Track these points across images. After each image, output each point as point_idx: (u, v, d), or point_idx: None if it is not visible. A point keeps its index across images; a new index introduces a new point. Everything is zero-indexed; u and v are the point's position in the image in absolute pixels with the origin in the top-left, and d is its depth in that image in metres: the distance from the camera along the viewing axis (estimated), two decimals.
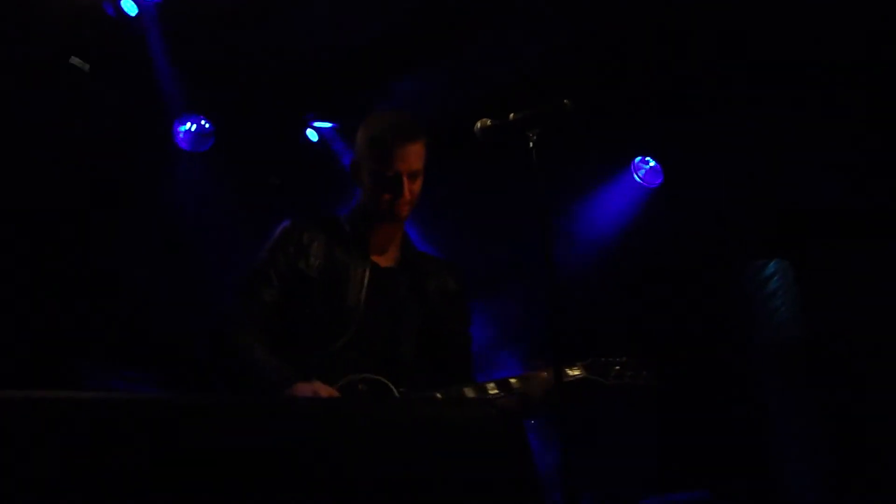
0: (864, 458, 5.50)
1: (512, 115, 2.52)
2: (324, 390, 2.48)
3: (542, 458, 5.17)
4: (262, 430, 1.47)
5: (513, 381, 2.79)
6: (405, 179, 2.77)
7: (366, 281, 2.81)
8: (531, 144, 2.46)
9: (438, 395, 2.74)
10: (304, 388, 2.46)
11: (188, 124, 5.57)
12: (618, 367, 2.92)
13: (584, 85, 5.27)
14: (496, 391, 2.74)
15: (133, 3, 4.88)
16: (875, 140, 5.40)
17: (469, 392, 2.72)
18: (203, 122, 5.63)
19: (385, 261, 2.93)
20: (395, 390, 2.73)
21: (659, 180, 6.25)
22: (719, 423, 5.93)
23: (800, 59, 5.18)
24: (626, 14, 5.08)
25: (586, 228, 6.31)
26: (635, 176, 6.27)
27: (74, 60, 5.02)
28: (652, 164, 6.27)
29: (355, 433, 1.51)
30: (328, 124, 6.10)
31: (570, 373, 2.86)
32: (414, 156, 2.78)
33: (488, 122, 2.57)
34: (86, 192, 5.31)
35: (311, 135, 6.11)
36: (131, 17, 4.90)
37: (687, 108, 5.65)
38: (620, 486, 5.91)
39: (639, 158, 6.28)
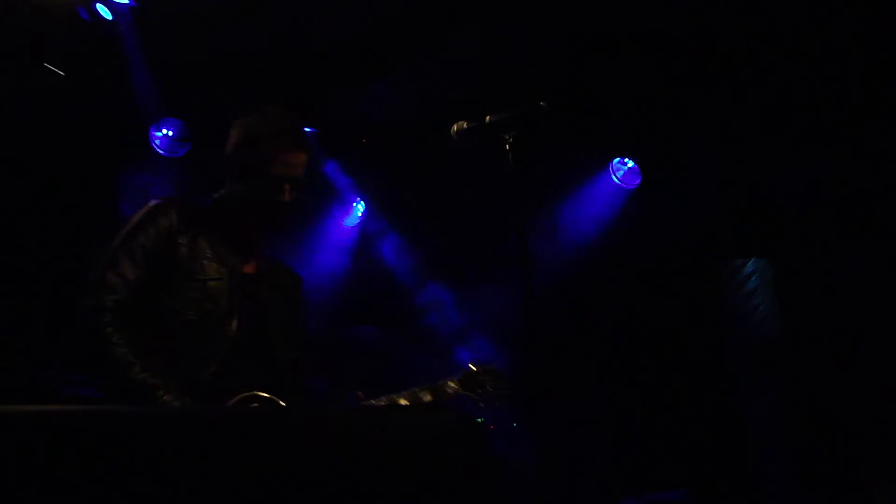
0: (840, 458, 5.54)
1: (488, 117, 2.52)
2: None
3: (520, 461, 5.18)
4: (212, 440, 1.44)
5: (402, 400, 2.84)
6: (287, 185, 2.75)
7: (233, 284, 2.74)
8: (508, 147, 2.46)
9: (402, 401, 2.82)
10: None
11: (164, 129, 5.54)
12: (484, 382, 3.07)
13: (562, 86, 5.29)
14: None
15: (107, 7, 4.83)
16: (853, 139, 5.44)
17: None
18: (179, 126, 5.60)
19: (250, 266, 2.87)
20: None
21: (637, 181, 6.27)
22: (697, 422, 5.96)
23: (775, 60, 5.21)
24: (605, 16, 5.10)
25: (565, 228, 6.32)
26: (614, 177, 6.28)
27: (49, 66, 4.97)
28: (630, 164, 6.28)
29: (312, 442, 1.49)
30: (306, 129, 6.08)
31: (450, 387, 3.00)
32: (300, 165, 2.79)
33: (464, 125, 2.57)
34: (57, 197, 5.26)
35: None
36: (106, 21, 4.85)
37: (665, 109, 5.68)
38: (598, 486, 5.93)
39: (617, 159, 6.29)
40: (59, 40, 4.95)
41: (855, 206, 5.65)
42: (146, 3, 4.82)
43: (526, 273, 2.37)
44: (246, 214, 2.80)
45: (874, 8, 4.70)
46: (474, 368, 3.08)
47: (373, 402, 2.87)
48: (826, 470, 5.52)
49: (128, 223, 2.73)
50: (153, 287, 2.64)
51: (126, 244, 2.66)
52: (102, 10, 4.81)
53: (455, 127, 2.58)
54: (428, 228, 6.52)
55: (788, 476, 5.72)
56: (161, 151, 5.55)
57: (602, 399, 6.12)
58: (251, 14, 4.89)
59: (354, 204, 6.65)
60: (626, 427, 6.14)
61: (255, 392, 2.67)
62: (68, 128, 5.29)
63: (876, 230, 5.59)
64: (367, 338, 5.85)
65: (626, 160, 6.28)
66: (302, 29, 5.05)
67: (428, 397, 2.97)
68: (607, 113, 5.69)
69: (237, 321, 2.69)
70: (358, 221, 6.68)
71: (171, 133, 5.55)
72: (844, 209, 5.70)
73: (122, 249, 2.65)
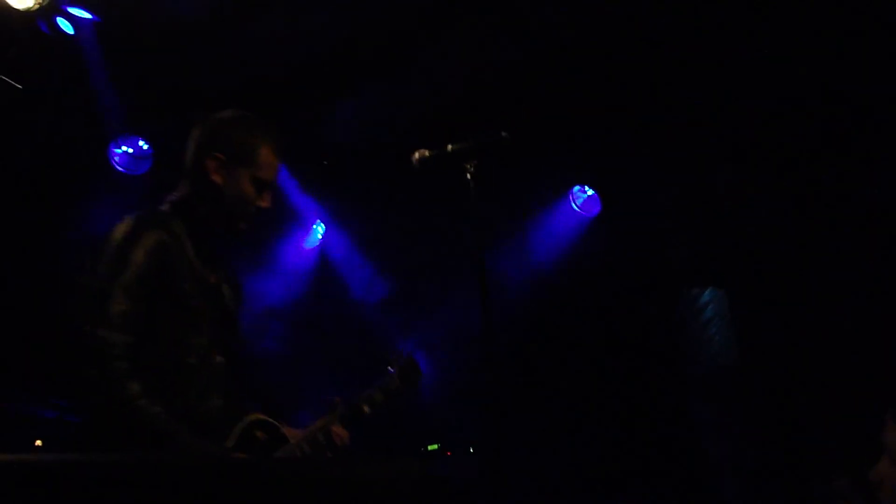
0: (799, 484, 5.60)
1: (450, 146, 2.53)
2: None
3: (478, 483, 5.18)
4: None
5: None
6: (268, 191, 2.71)
7: (210, 302, 2.61)
8: (469, 176, 2.48)
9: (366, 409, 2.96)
10: None
11: (124, 147, 5.48)
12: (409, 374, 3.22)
13: (524, 113, 5.33)
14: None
15: (69, 21, 4.77)
16: (809, 170, 5.54)
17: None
18: (140, 143, 5.55)
19: (217, 273, 2.72)
20: (280, 426, 2.72)
21: (597, 209, 6.33)
22: (653, 448, 6.00)
23: (738, 89, 5.31)
24: (566, 44, 5.16)
25: (525, 255, 6.36)
26: (573, 205, 6.34)
27: (5, 79, 4.90)
28: (590, 192, 6.34)
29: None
30: None
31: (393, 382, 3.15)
32: (279, 170, 2.78)
33: (426, 153, 2.58)
34: (14, 214, 5.18)
35: None
36: (67, 35, 4.79)
37: (625, 138, 5.75)
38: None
39: (577, 187, 6.35)
40: (18, 52, 4.87)
41: (810, 237, 5.75)
42: (109, 19, 4.78)
43: (484, 299, 2.37)
44: (216, 221, 2.66)
45: (835, 37, 4.82)
46: (398, 366, 3.18)
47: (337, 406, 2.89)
48: (779, 493, 5.58)
49: (109, 247, 2.46)
50: (148, 320, 2.42)
51: (119, 274, 2.40)
52: (63, 24, 4.76)
53: (416, 155, 2.58)
54: (388, 251, 6.53)
55: (746, 495, 5.78)
56: (121, 169, 5.49)
57: (560, 418, 6.15)
58: (216, 33, 4.88)
59: (314, 226, 6.62)
60: (583, 446, 6.16)
61: (258, 416, 2.66)
62: (24, 142, 5.22)
63: (831, 262, 5.69)
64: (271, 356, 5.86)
65: (586, 188, 6.34)
66: (266, 49, 5.04)
67: (381, 397, 3.06)
68: (567, 141, 5.75)
69: (217, 349, 2.60)
70: (317, 243, 6.66)
71: (131, 150, 5.49)
72: (800, 240, 5.80)
73: (117, 282, 2.39)
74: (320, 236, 6.64)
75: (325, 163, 6.37)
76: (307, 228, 6.60)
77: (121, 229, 2.50)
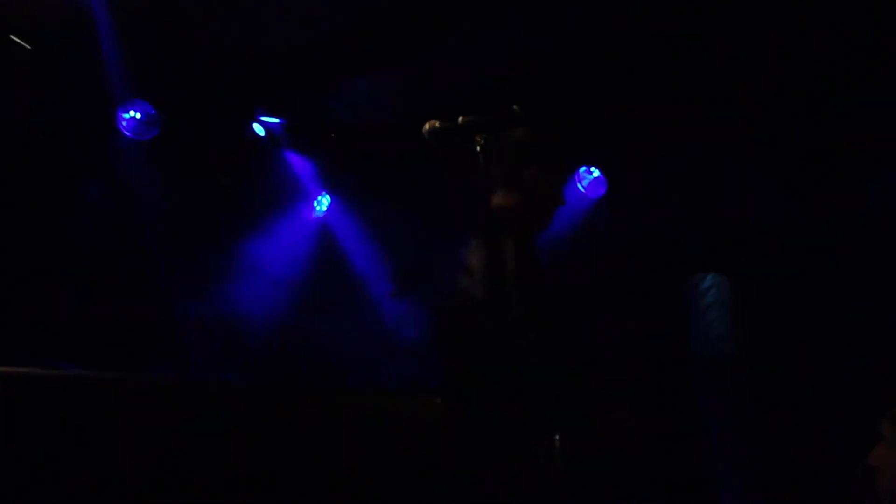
0: (797, 470, 5.64)
1: (461, 118, 2.53)
2: None
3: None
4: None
5: None
6: None
7: None
8: (479, 149, 2.48)
9: None
10: None
11: (132, 111, 5.47)
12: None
13: (533, 92, 5.32)
14: None
15: None
16: (811, 160, 5.55)
17: None
18: (149, 109, 5.53)
19: None
20: None
21: (602, 191, 6.31)
22: (656, 433, 6.02)
23: (748, 73, 5.30)
24: (577, 24, 5.14)
25: None
26: (579, 185, 6.32)
27: (15, 39, 4.89)
28: (596, 174, 6.32)
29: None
30: (276, 120, 6.07)
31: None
32: None
33: (437, 124, 2.58)
34: (21, 177, 5.19)
35: (258, 129, 6.06)
36: None
37: (634, 121, 5.74)
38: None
39: (583, 168, 6.33)
40: (28, 14, 4.86)
41: (814, 225, 5.76)
42: None
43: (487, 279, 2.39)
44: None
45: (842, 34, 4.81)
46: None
47: None
48: (783, 483, 5.62)
49: None
50: None
51: None
52: None
53: (427, 125, 2.58)
54: (394, 229, 6.54)
55: (746, 482, 5.81)
56: (128, 134, 5.48)
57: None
58: (233, 5, 4.86)
59: (319, 197, 6.64)
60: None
61: None
62: (33, 102, 5.21)
63: (833, 252, 5.70)
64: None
65: (592, 169, 6.32)
66: (281, 22, 5.02)
67: None
68: (575, 121, 5.73)
69: None
70: (322, 214, 6.67)
71: (139, 115, 5.47)
72: (800, 228, 5.81)
73: None
74: (325, 208, 6.65)
75: (332, 136, 6.37)
76: (311, 200, 6.62)
77: None
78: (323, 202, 6.64)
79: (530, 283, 2.63)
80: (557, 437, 2.45)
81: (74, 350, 5.00)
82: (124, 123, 5.46)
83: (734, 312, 6.19)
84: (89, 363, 4.91)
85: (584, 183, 6.33)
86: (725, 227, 6.14)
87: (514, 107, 2.49)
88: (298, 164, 6.41)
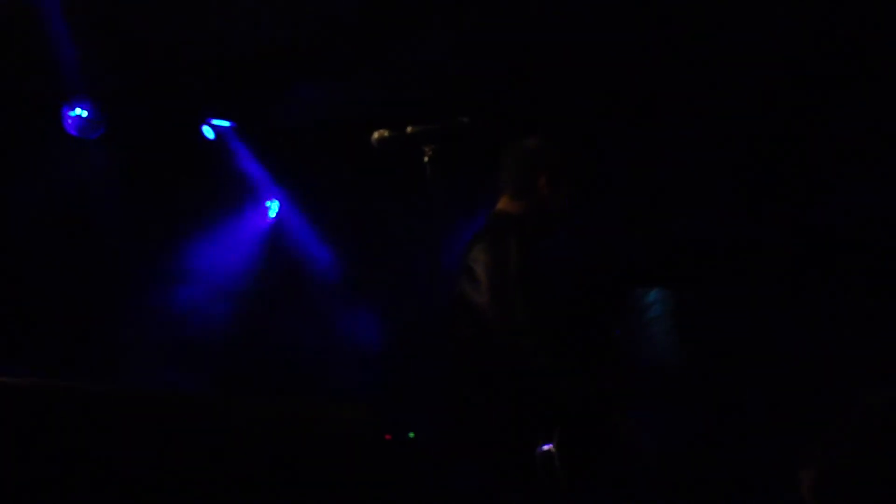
0: (737, 481, 5.71)
1: (409, 128, 2.53)
2: None
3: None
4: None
5: None
6: None
7: None
8: (427, 159, 2.48)
9: None
10: None
11: (78, 109, 5.36)
12: None
13: (483, 105, 5.34)
14: None
15: None
16: (755, 175, 5.65)
17: None
18: (95, 108, 5.43)
19: None
20: None
21: None
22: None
23: (692, 88, 5.37)
24: (528, 39, 5.18)
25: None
26: None
27: None
28: None
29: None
30: (226, 123, 6.01)
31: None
32: None
33: (385, 134, 2.58)
34: None
35: (208, 132, 6.00)
36: None
37: (579, 137, 5.78)
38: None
39: None
40: None
41: (760, 241, 5.85)
42: None
43: (433, 287, 2.39)
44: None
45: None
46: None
47: None
48: (724, 485, 5.69)
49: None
50: None
51: None
52: None
53: (376, 134, 2.58)
54: (341, 235, 6.51)
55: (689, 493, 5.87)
56: (73, 132, 5.38)
57: None
58: (182, 7, 4.80)
59: (269, 202, 6.59)
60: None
61: None
62: None
63: (780, 266, 5.80)
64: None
65: None
66: (235, 25, 4.97)
67: None
68: (524, 136, 5.75)
69: None
70: (272, 219, 6.62)
71: (85, 114, 5.37)
72: (743, 243, 5.90)
73: None
74: (275, 213, 6.60)
75: (285, 140, 6.33)
76: (262, 204, 6.56)
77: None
78: (273, 206, 6.59)
79: (535, 288, 2.65)
80: (557, 441, 2.48)
81: (8, 354, 4.89)
82: (69, 121, 5.35)
83: (678, 326, 6.26)
84: (23, 365, 4.80)
85: None
86: (670, 241, 6.22)
87: (464, 118, 2.49)
88: (248, 167, 6.36)
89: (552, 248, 3.17)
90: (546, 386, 2.64)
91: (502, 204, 3.05)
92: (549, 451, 2.55)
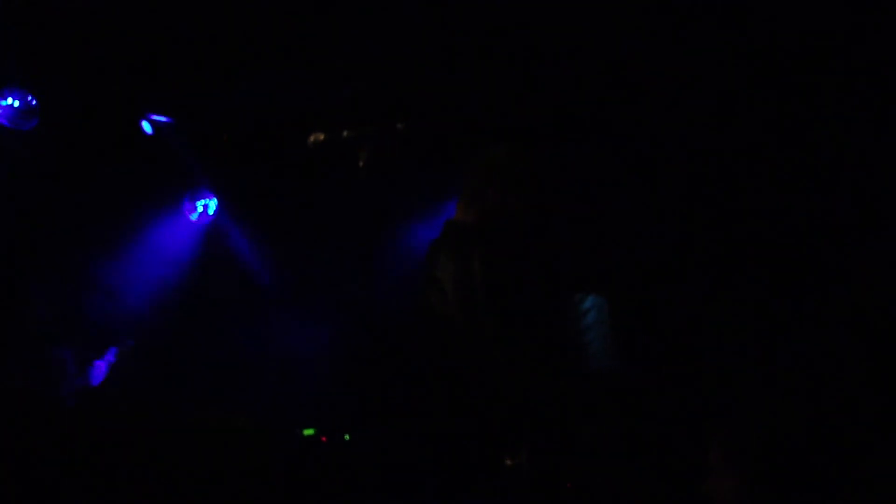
0: (676, 483, 5.79)
1: (345, 132, 2.55)
2: None
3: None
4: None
5: None
6: None
7: None
8: (361, 164, 2.50)
9: None
10: None
11: (10, 99, 5.23)
12: None
13: (423, 109, 5.36)
14: None
15: None
16: (689, 179, 5.76)
17: None
18: (28, 98, 5.31)
19: None
20: None
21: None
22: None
23: (620, 95, 5.47)
24: (475, 45, 5.21)
25: (409, 255, 6.39)
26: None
27: None
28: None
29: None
30: (164, 118, 5.94)
31: None
32: None
33: (321, 137, 2.59)
34: None
35: (146, 127, 5.91)
36: None
37: (521, 142, 5.82)
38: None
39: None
40: None
41: (694, 248, 5.96)
42: None
43: (366, 291, 2.41)
44: None
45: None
46: None
47: None
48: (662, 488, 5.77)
49: None
50: None
51: None
52: None
53: (312, 137, 2.59)
54: (277, 235, 6.48)
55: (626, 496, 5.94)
56: (5, 122, 5.25)
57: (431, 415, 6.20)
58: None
59: (205, 200, 6.51)
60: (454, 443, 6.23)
61: None
62: None
63: (713, 271, 5.91)
64: None
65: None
66: (175, 19, 4.91)
67: None
68: (457, 139, 5.79)
69: None
70: (207, 217, 6.55)
71: (17, 104, 5.24)
72: (683, 251, 6.01)
73: None
74: (211, 212, 6.53)
75: (225, 138, 6.27)
76: (194, 202, 6.49)
77: None
78: (210, 205, 6.52)
79: (500, 297, 2.67)
80: (528, 446, 2.51)
81: None
82: (0, 111, 5.22)
83: (613, 333, 6.33)
84: None
85: None
86: (605, 247, 6.31)
87: (398, 124, 2.52)
88: (186, 164, 6.28)
89: (512, 258, 3.18)
90: (514, 394, 2.68)
91: (459, 212, 3.08)
92: (517, 461, 2.59)
